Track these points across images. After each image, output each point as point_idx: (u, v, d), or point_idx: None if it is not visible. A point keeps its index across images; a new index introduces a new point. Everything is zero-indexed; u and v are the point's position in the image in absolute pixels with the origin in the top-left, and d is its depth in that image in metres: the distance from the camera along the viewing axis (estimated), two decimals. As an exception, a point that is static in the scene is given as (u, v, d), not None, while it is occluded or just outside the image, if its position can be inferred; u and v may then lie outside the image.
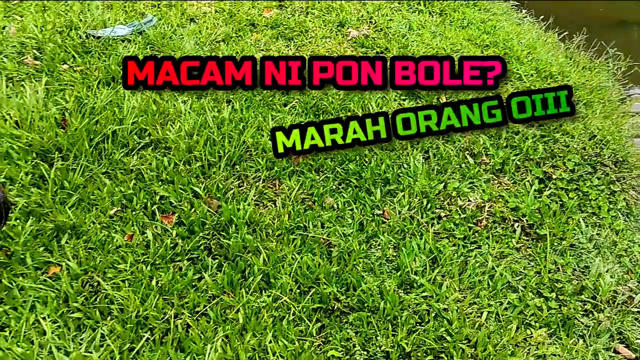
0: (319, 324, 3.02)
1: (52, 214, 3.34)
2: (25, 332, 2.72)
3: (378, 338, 2.94)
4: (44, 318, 2.79)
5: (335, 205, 3.75)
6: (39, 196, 3.41)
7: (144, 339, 2.79)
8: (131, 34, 5.16)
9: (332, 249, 3.43)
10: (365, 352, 2.89)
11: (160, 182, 3.68)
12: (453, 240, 3.57)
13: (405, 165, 4.07)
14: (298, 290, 3.15)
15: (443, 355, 2.93)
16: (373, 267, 3.33)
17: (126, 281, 3.04)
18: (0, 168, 3.54)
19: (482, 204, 3.81)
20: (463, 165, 4.14)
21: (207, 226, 3.42)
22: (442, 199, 3.85)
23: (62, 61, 4.76)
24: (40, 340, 2.70)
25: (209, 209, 3.53)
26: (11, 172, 3.53)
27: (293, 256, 3.33)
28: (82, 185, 3.58)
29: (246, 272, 3.21)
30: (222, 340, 2.85)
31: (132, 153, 3.91)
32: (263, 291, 3.15)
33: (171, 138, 4.02)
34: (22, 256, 3.05)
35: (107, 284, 3.00)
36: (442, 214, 3.74)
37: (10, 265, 3.02)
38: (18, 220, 3.26)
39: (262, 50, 5.25)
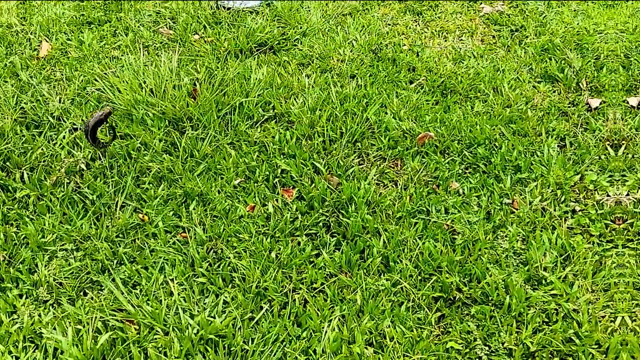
0: (439, 314, 2.91)
1: (181, 180, 3.50)
2: (154, 291, 2.87)
3: (501, 334, 2.78)
4: (172, 279, 2.93)
5: (460, 191, 3.59)
6: (170, 163, 3.58)
7: (264, 310, 2.85)
8: (259, 6, 5.27)
9: (456, 237, 3.29)
10: (487, 347, 2.75)
11: (282, 156, 3.73)
12: (588, 237, 3.28)
13: (539, 153, 3.79)
14: (419, 277, 3.05)
15: (570, 358, 2.71)
16: (499, 259, 3.14)
17: (247, 251, 3.11)
18: (137, 133, 3.78)
19: (622, 200, 3.47)
20: (602, 156, 3.80)
21: (326, 203, 3.41)
22: (577, 191, 3.55)
23: (193, 32, 4.96)
24: (167, 300, 2.84)
25: (329, 185, 3.53)
26: (146, 138, 3.74)
27: (414, 241, 3.24)
28: (209, 154, 3.71)
29: (365, 253, 3.18)
30: (339, 319, 2.85)
31: (257, 125, 3.99)
32: (382, 274, 3.10)
33: (294, 112, 4.06)
34: (154, 219, 3.25)
35: (230, 253, 3.10)
36: (577, 208, 3.44)
37: (143, 227, 3.22)
38: (151, 185, 3.47)
39: (389, 24, 5.13)
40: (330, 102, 4.19)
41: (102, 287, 2.89)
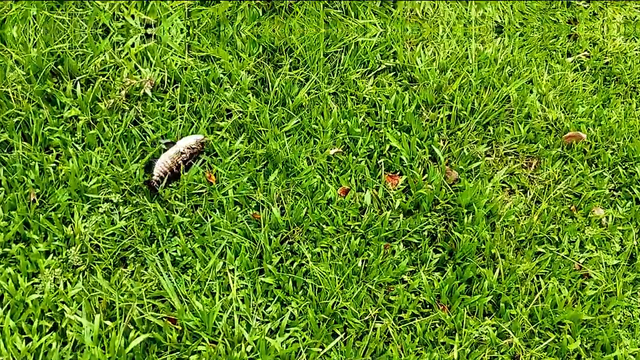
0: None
1: (265, 134, 2.81)
2: (208, 281, 2.29)
3: None
4: (232, 271, 2.35)
5: (603, 221, 2.82)
6: (255, 107, 2.90)
7: (336, 339, 2.27)
8: None
9: (587, 283, 2.57)
10: None
11: (394, 126, 2.97)
12: None
13: None
14: (533, 331, 2.38)
15: None
16: (635, 325, 2.47)
17: (329, 250, 2.47)
18: (222, 56, 3.05)
19: None
20: None
21: (438, 206, 2.69)
22: None
23: None
24: (223, 297, 2.28)
25: (445, 180, 2.79)
26: (231, 67, 3.02)
27: (535, 279, 2.56)
28: (305, 106, 2.98)
29: (473, 284, 2.51)
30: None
31: (369, 76, 3.21)
32: (488, 316, 2.48)
33: (419, 68, 3.23)
34: (224, 183, 2.59)
35: (308, 249, 2.45)
36: None
37: (209, 191, 2.58)
38: (228, 134, 2.81)
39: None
40: (466, 62, 3.35)
41: (147, 262, 2.35)
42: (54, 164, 2.53)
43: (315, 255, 2.46)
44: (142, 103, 2.78)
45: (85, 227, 2.35)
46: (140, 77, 2.78)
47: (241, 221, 2.49)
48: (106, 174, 2.52)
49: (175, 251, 2.37)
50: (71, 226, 2.37)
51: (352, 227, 2.57)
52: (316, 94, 3.03)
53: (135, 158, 2.61)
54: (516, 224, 2.75)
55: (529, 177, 3.00)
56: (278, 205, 2.57)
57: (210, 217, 2.48)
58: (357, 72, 3.18)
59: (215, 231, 2.45)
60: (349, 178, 2.74)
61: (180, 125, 2.75)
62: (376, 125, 2.98)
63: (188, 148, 2.61)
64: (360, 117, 2.98)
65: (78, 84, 2.77)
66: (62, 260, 2.27)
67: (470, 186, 2.75)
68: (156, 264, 2.31)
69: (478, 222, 2.66)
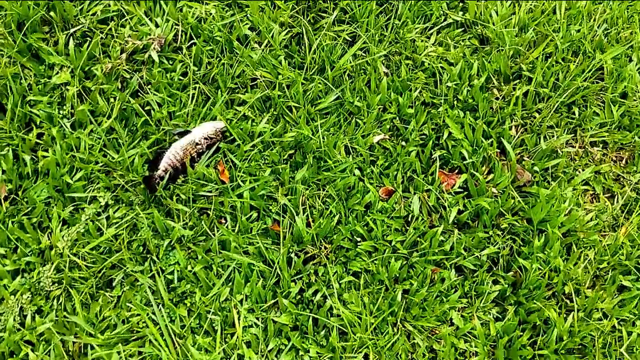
0: None
1: (297, 113, 1.64)
2: (210, 312, 1.34)
3: None
4: (240, 302, 1.38)
5: None
6: (288, 75, 1.67)
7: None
8: None
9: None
10: None
11: (456, 103, 1.74)
12: None
13: None
14: None
15: None
16: None
17: (362, 276, 1.44)
18: (251, 5, 1.77)
19: None
20: None
21: (502, 220, 1.55)
22: None
23: None
24: (226, 338, 1.34)
25: (515, 182, 1.63)
26: (260, 20, 1.74)
27: (616, 324, 1.50)
28: (350, 74, 1.73)
29: (538, 330, 1.47)
30: None
31: (431, 31, 1.88)
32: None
33: (493, 27, 1.88)
34: (240, 178, 1.51)
35: (336, 275, 1.43)
36: None
37: (220, 190, 1.51)
38: (251, 110, 1.63)
39: None
40: (553, 19, 1.96)
41: (139, 284, 1.38)
42: (33, 152, 1.48)
43: (345, 282, 1.49)
44: (148, 67, 1.63)
45: (65, 237, 1.37)
46: (149, 35, 1.60)
47: (256, 233, 1.44)
48: (96, 163, 1.48)
49: (173, 272, 1.39)
50: (48, 234, 1.39)
51: (393, 243, 1.50)
52: (363, 57, 1.80)
53: (134, 141, 1.53)
54: (598, 243, 1.68)
55: (619, 177, 1.83)
56: (304, 212, 1.52)
57: (218, 229, 1.45)
58: (417, 28, 1.95)
59: (224, 250, 1.42)
60: (394, 174, 1.60)
61: (192, 96, 1.63)
62: (434, 102, 1.77)
63: (205, 138, 1.51)
64: (416, 90, 1.78)
65: (71, 39, 1.60)
66: (33, 282, 1.34)
67: (546, 195, 1.59)
68: (145, 294, 1.34)
69: (552, 246, 1.54)
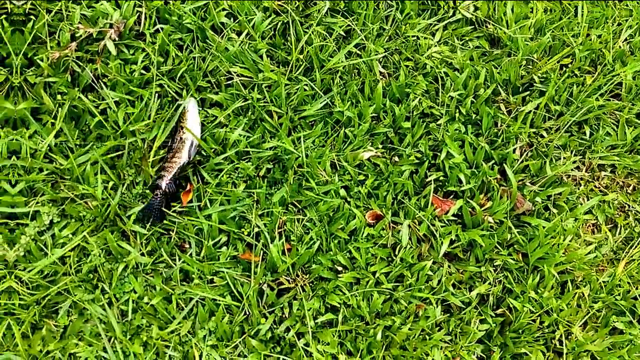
0: None
1: (278, 120, 1.52)
2: (169, 347, 1.26)
3: None
4: (203, 338, 1.28)
5: None
6: (269, 74, 1.52)
7: None
8: None
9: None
10: None
11: (457, 115, 1.62)
12: None
13: None
14: None
15: None
16: None
17: (341, 310, 1.36)
18: None
19: None
20: None
21: (496, 255, 1.49)
22: None
23: None
24: None
25: (514, 210, 1.55)
26: (241, 5, 1.59)
27: None
28: (340, 76, 1.59)
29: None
30: None
31: (437, 27, 1.73)
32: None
33: (506, 24, 1.76)
34: (209, 195, 1.39)
35: (311, 311, 1.35)
36: None
37: (186, 207, 1.39)
38: (227, 116, 1.48)
39: None
40: (574, 22, 1.82)
41: (88, 313, 1.28)
42: None
43: (322, 319, 1.41)
44: (104, 58, 1.46)
45: (2, 259, 1.28)
46: (106, 15, 1.42)
47: (225, 261, 1.35)
48: (40, 172, 1.34)
49: (127, 302, 1.30)
50: None
51: (377, 275, 1.43)
52: (358, 55, 1.69)
53: (86, 145, 1.39)
54: (594, 280, 1.65)
55: (624, 205, 1.80)
56: (280, 237, 1.41)
57: (182, 248, 1.36)
58: (420, 24, 1.82)
59: (187, 281, 1.34)
60: (384, 195, 1.51)
61: (155, 95, 1.46)
62: (433, 112, 1.65)
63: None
64: (415, 99, 1.68)
65: (8, 21, 1.39)
66: None
67: (545, 230, 1.52)
68: (93, 326, 1.26)
69: (545, 285, 1.49)
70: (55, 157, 1.37)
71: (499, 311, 1.47)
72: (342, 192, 1.50)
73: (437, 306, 1.44)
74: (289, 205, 1.45)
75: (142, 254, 1.31)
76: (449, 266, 1.48)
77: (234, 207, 1.39)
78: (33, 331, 1.25)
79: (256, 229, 1.39)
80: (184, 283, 1.32)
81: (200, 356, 1.28)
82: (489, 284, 1.47)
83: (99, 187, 1.35)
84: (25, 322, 1.24)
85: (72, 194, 1.34)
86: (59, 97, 1.39)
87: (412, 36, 1.72)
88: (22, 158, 1.32)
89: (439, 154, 1.58)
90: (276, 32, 1.63)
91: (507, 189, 1.57)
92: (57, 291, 1.28)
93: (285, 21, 1.64)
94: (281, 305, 1.37)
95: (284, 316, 1.37)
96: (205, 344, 1.29)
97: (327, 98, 1.57)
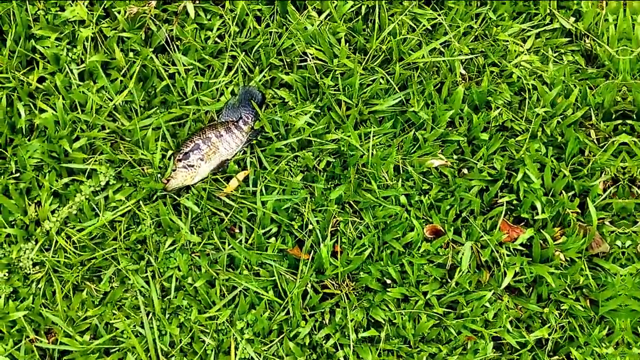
0: None
1: (346, 110, 1.50)
2: (204, 334, 1.29)
3: None
4: (241, 330, 1.29)
5: None
6: (345, 57, 1.49)
7: None
8: None
9: None
10: None
11: (540, 134, 1.55)
12: None
13: None
14: None
15: None
16: None
17: (385, 327, 1.35)
18: None
19: None
20: None
21: (562, 297, 1.43)
22: None
23: None
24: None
25: (588, 249, 1.48)
26: None
27: None
28: (417, 73, 1.57)
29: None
30: None
31: (530, 33, 1.65)
32: None
33: (607, 41, 1.66)
34: (268, 185, 1.39)
35: (354, 323, 1.34)
36: None
37: (245, 194, 1.40)
38: (293, 96, 1.49)
39: None
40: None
41: (130, 283, 1.31)
42: (31, 98, 1.35)
43: (364, 334, 1.37)
44: (180, 20, 1.46)
45: (54, 214, 1.29)
46: None
47: (272, 253, 1.36)
48: (102, 129, 1.36)
49: (170, 279, 1.32)
50: (36, 205, 1.30)
51: (429, 296, 1.38)
52: (441, 52, 1.59)
53: (150, 108, 1.41)
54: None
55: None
56: (332, 236, 1.41)
57: (228, 241, 1.34)
58: (513, 28, 1.72)
59: (232, 264, 1.35)
60: (447, 209, 1.47)
61: (226, 66, 1.49)
62: (513, 127, 1.60)
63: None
64: (496, 109, 1.58)
65: None
66: (12, 259, 1.28)
67: (621, 278, 1.47)
68: (138, 294, 1.29)
69: (612, 340, 1.41)
70: (118, 117, 1.40)
71: (555, 358, 1.43)
72: (403, 199, 1.47)
73: (489, 342, 1.41)
74: (345, 205, 1.45)
75: (192, 232, 1.34)
76: (508, 300, 1.44)
77: (289, 198, 1.39)
78: (74, 293, 1.31)
79: (309, 226, 1.40)
80: (229, 269, 1.33)
81: (236, 348, 1.30)
82: (550, 327, 1.44)
83: (157, 155, 1.37)
84: (68, 283, 1.30)
85: (131, 157, 1.36)
86: (130, 54, 1.40)
87: (502, 40, 1.66)
88: (86, 112, 1.36)
89: (514, 174, 1.52)
90: (359, 16, 1.61)
91: (585, 225, 1.51)
92: (102, 256, 1.33)
93: (371, 5, 1.61)
94: (322, 310, 1.36)
95: (324, 322, 1.37)
96: (242, 336, 1.32)
97: (403, 95, 1.54)
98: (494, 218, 1.49)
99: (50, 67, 1.39)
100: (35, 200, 1.31)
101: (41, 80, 1.39)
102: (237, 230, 1.37)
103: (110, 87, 1.37)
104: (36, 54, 1.39)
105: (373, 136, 1.49)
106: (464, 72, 1.66)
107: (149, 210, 1.31)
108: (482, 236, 1.45)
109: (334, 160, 1.47)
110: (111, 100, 1.36)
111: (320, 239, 1.37)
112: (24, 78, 1.35)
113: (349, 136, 1.45)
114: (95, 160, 1.34)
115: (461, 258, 1.43)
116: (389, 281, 1.41)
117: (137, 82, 1.40)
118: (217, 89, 1.42)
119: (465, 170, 1.56)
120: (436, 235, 1.48)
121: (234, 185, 1.36)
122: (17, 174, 1.31)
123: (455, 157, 1.55)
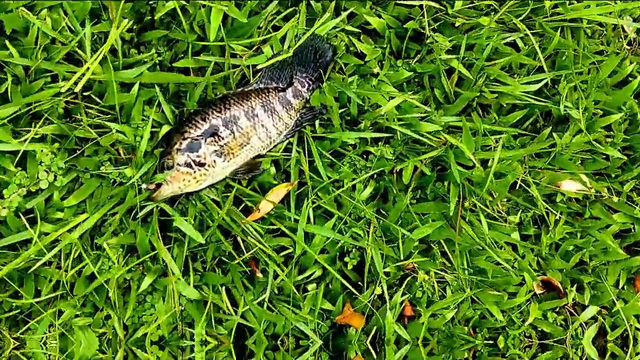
0: None
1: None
2: None
3: None
4: None
5: None
6: None
7: None
8: None
9: None
10: None
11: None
12: None
13: None
14: None
15: None
16: None
17: None
18: None
19: None
20: None
21: None
22: None
23: None
24: None
25: None
26: None
27: None
28: None
29: None
30: None
31: None
32: None
33: None
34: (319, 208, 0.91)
35: None
36: None
37: (281, 216, 0.91)
38: None
39: None
40: None
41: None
42: None
43: None
44: None
45: None
46: None
47: (308, 312, 0.91)
48: (53, 81, 0.80)
49: (142, 344, 0.86)
50: None
51: None
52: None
53: (136, 43, 0.87)
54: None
55: None
56: (404, 292, 0.97)
57: (245, 300, 0.88)
58: None
59: (243, 336, 0.91)
60: (569, 252, 1.09)
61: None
62: None
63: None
64: None
65: None
66: None
67: None
68: None
69: None
70: (83, 56, 0.84)
71: None
72: (515, 235, 1.02)
73: None
74: (432, 243, 0.99)
75: (186, 273, 0.88)
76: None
77: (345, 228, 0.92)
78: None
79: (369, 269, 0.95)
80: (239, 340, 0.91)
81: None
82: None
83: (146, 132, 0.85)
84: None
85: (97, 134, 0.85)
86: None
87: None
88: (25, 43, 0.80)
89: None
90: None
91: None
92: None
93: None
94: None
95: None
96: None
97: (552, 75, 0.99)
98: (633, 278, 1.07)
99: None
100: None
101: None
102: (258, 273, 0.92)
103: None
104: None
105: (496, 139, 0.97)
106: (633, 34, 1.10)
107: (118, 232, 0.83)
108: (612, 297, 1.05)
109: (428, 169, 0.97)
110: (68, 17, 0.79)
111: (387, 297, 0.94)
112: None
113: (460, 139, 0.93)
114: (34, 136, 0.82)
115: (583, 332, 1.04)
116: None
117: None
118: (258, 32, 0.86)
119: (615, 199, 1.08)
120: (548, 291, 1.07)
121: (265, 211, 0.87)
122: None
123: (596, 177, 1.07)
